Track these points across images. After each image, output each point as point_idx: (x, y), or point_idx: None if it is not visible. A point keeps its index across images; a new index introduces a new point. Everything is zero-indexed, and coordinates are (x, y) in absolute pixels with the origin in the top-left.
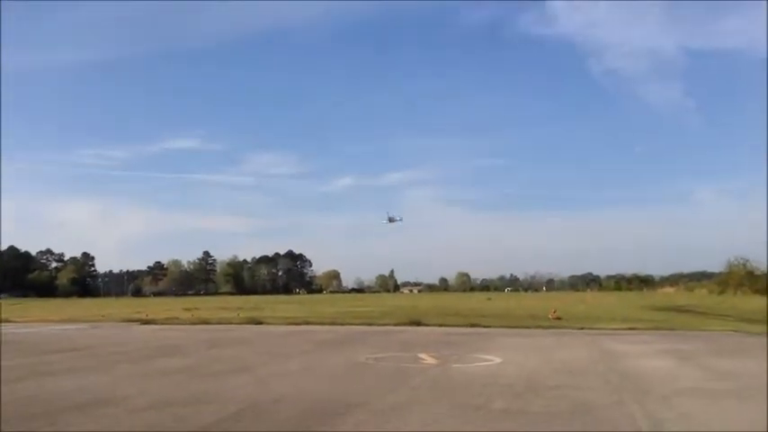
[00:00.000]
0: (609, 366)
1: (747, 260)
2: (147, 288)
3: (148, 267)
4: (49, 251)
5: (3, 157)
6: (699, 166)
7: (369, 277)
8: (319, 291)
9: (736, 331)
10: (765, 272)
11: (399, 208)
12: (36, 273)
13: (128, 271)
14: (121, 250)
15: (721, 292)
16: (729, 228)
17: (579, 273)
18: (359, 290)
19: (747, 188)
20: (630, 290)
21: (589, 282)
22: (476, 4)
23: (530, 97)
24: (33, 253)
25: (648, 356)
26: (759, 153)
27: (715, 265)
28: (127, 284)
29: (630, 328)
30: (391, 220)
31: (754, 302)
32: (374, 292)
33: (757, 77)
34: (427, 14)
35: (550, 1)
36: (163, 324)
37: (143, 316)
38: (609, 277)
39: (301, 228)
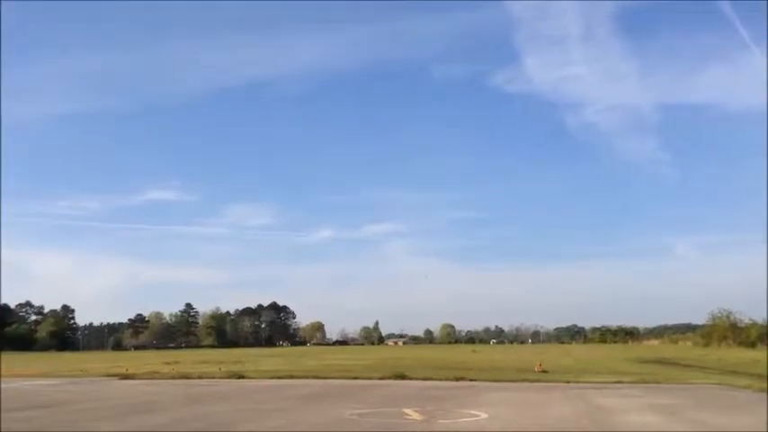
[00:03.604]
0: (596, 421)
1: (731, 312)
2: (127, 341)
3: (129, 320)
4: (28, 303)
5: None
6: (676, 220)
7: (353, 329)
8: (303, 343)
9: (721, 384)
10: (748, 324)
11: (380, 259)
12: (14, 326)
13: (108, 324)
14: (102, 303)
15: (706, 345)
16: (711, 280)
17: (564, 324)
18: (343, 342)
19: (725, 241)
20: (616, 342)
21: (574, 334)
22: (451, 62)
23: (505, 151)
24: (12, 306)
25: (635, 411)
26: (734, 207)
27: (699, 317)
28: (107, 338)
29: (617, 382)
30: None
31: (739, 355)
32: (358, 344)
33: (729, 130)
34: (404, 70)
35: (525, 59)
36: (143, 379)
37: (123, 370)
38: (594, 329)
39: (283, 279)
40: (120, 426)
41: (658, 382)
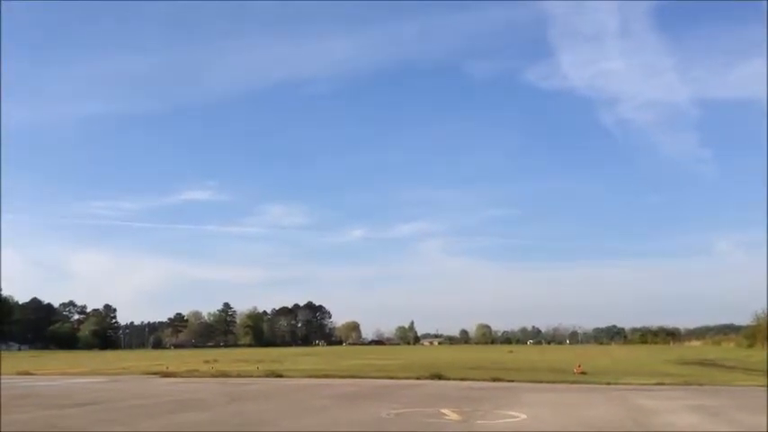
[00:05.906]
0: (638, 423)
1: None
2: (167, 340)
3: (169, 319)
4: (71, 303)
5: (25, 211)
6: (717, 218)
7: (388, 329)
8: (339, 342)
9: (765, 386)
10: None
11: (415, 259)
12: (58, 325)
13: (149, 323)
14: (142, 302)
15: (750, 346)
16: (754, 280)
17: (603, 325)
18: (378, 341)
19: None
20: (656, 343)
21: (614, 335)
22: (484, 59)
23: (540, 148)
24: (56, 305)
25: (678, 413)
26: None
27: (742, 317)
28: (147, 336)
29: (658, 383)
30: None
31: None
32: (394, 344)
33: None
34: (437, 68)
35: (559, 55)
36: (183, 377)
37: (163, 369)
38: (634, 330)
39: (318, 278)
40: (164, 422)
41: (701, 384)
